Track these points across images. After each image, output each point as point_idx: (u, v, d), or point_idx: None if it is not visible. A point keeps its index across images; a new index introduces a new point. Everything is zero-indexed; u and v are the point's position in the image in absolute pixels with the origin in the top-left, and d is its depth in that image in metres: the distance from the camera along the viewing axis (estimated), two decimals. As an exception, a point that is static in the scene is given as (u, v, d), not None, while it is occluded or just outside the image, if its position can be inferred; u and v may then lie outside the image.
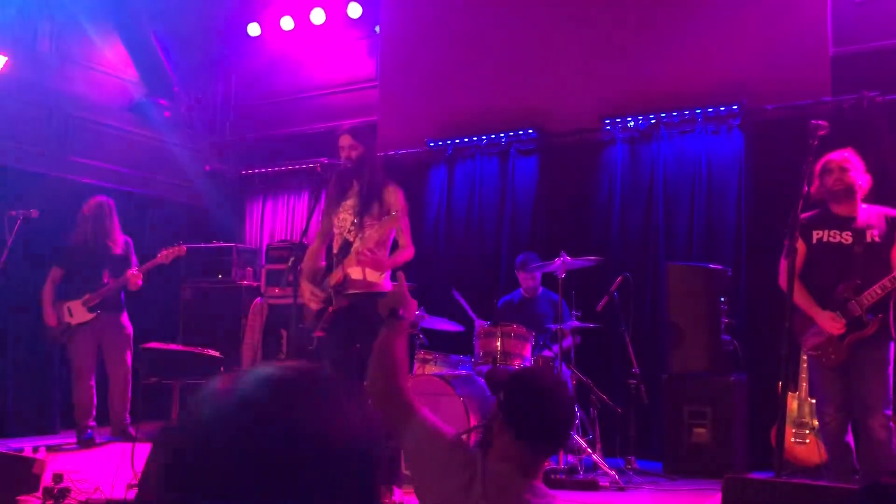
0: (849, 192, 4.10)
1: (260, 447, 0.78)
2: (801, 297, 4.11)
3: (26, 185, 6.86)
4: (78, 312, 6.02)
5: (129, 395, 6.18)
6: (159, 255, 6.05)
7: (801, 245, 3.95)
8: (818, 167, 4.08)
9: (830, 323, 4.02)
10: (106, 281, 6.05)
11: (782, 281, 3.79)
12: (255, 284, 7.49)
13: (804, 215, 3.94)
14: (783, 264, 3.55)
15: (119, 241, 6.15)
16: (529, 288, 6.11)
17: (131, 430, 6.04)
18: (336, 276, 4.34)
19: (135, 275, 6.05)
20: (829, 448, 4.17)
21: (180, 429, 0.82)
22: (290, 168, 8.38)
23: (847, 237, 4.09)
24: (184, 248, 6.06)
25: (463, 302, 5.86)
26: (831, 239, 4.11)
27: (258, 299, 7.22)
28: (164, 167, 8.32)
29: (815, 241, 4.14)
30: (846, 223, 4.12)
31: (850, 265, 4.03)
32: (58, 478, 3.98)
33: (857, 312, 3.97)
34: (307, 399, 0.83)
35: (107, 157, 7.73)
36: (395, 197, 4.45)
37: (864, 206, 4.17)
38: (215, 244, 7.71)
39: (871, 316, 3.98)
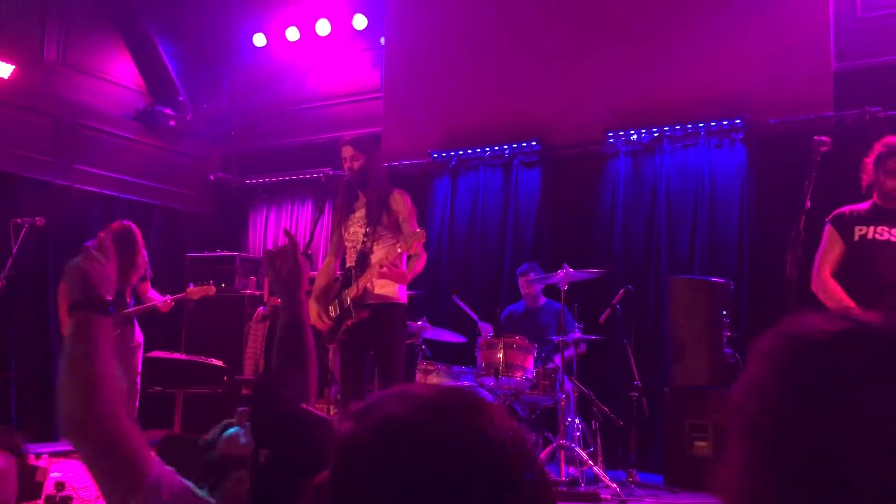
0: None
1: (426, 468, 0.83)
2: (835, 301, 3.51)
3: (31, 192, 6.89)
4: None
5: (137, 404, 6.20)
6: (188, 290, 6.06)
7: (838, 243, 3.59)
8: (876, 153, 3.56)
9: None
10: (130, 300, 6.10)
11: (790, 271, 3.40)
12: (257, 293, 7.50)
13: (844, 209, 3.62)
14: (788, 262, 3.24)
15: (140, 265, 6.18)
16: (528, 296, 6.10)
17: None
18: (356, 290, 4.38)
19: (167, 303, 6.08)
20: None
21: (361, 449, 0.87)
22: (293, 178, 8.41)
23: None
24: (213, 288, 6.05)
25: (463, 305, 5.86)
26: (878, 236, 3.56)
27: (261, 308, 7.24)
28: (169, 176, 8.35)
29: (857, 237, 3.59)
30: None
31: None
32: (60, 486, 3.99)
33: None
34: (469, 420, 0.87)
35: (112, 166, 7.76)
36: (401, 203, 4.49)
37: None
38: (218, 253, 7.73)
39: None
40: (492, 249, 7.12)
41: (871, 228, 3.55)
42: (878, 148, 3.56)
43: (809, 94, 5.90)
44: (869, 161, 3.58)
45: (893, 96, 5.65)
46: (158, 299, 6.15)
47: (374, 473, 0.84)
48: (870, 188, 3.61)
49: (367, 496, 0.84)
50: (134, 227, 6.19)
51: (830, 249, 3.61)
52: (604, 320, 5.47)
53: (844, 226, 3.59)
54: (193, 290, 6.04)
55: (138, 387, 6.16)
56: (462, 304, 5.88)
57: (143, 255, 6.20)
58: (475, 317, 5.82)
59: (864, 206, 3.63)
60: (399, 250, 4.24)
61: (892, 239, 3.50)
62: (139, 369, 6.17)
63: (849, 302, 3.44)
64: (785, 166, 5.63)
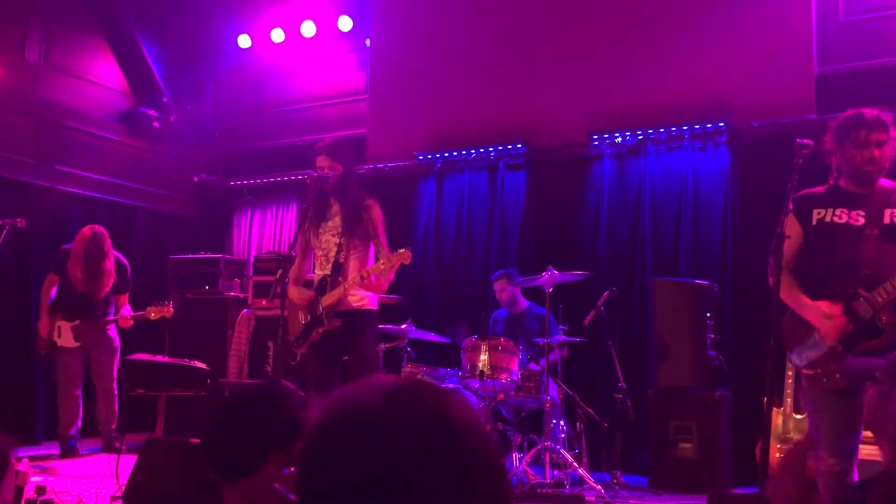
0: (880, 174, 3.22)
1: (381, 446, 0.88)
2: (789, 294, 3.23)
3: (13, 194, 6.83)
4: (66, 336, 6.02)
5: (116, 406, 6.16)
6: (147, 310, 6.00)
7: (796, 228, 3.27)
8: (842, 122, 3.24)
9: (824, 316, 3.08)
10: (99, 313, 6.04)
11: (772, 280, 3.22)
12: (242, 296, 7.46)
13: (803, 192, 3.30)
14: (771, 265, 3.08)
15: (111, 272, 6.09)
16: (503, 301, 6.12)
17: (116, 443, 5.98)
18: (332, 298, 4.38)
19: (125, 318, 6.07)
20: None
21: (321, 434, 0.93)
22: (278, 180, 8.38)
23: (858, 217, 3.20)
24: (171, 309, 6.01)
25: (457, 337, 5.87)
26: (837, 219, 3.22)
27: (245, 311, 7.20)
28: (153, 178, 8.30)
29: (815, 221, 3.26)
30: (858, 200, 3.22)
31: (859, 253, 3.13)
32: (40, 490, 3.95)
33: (866, 315, 3.04)
34: (416, 402, 0.93)
35: (95, 167, 7.70)
36: (374, 212, 4.51)
37: (882, 180, 3.28)
38: (202, 255, 7.69)
39: (888, 320, 3.02)
40: (477, 251, 7.12)
41: (830, 211, 3.24)
42: (838, 122, 3.25)
43: (792, 97, 5.95)
44: (830, 138, 3.24)
45: (875, 99, 5.66)
46: (128, 314, 6.10)
47: (338, 456, 0.89)
48: (837, 169, 3.30)
49: (331, 479, 0.89)
50: (103, 231, 6.11)
51: (788, 237, 3.24)
52: (588, 322, 5.48)
53: (802, 210, 3.27)
54: (151, 310, 6.01)
55: (115, 391, 6.09)
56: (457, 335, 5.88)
57: (111, 262, 6.11)
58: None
59: (821, 188, 3.34)
60: (382, 268, 4.24)
61: (852, 222, 3.19)
62: (115, 374, 6.10)
63: (802, 296, 3.19)
64: (768, 169, 5.67)
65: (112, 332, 6.21)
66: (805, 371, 3.22)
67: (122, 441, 5.32)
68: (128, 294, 6.24)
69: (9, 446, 1.82)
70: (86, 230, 6.08)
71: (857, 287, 3.06)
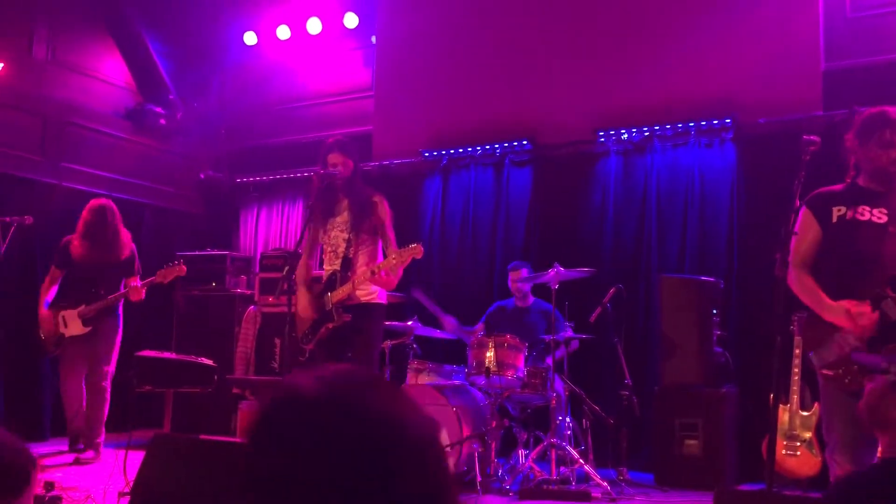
0: None
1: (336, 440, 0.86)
2: (809, 295, 3.19)
3: (20, 191, 6.86)
4: (73, 324, 5.80)
5: (106, 408, 5.87)
6: (158, 274, 5.79)
7: (814, 226, 3.24)
8: (866, 121, 3.22)
9: (851, 316, 2.98)
10: (103, 292, 5.81)
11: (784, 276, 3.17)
12: (248, 293, 7.48)
13: (820, 190, 3.28)
14: (778, 261, 3.04)
15: (123, 248, 5.90)
16: (517, 291, 6.07)
17: (88, 454, 5.73)
18: (342, 294, 4.40)
19: (137, 288, 5.79)
20: None
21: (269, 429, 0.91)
22: (284, 177, 8.39)
23: (880, 215, 3.15)
24: (183, 267, 5.81)
25: (425, 300, 5.88)
26: (859, 216, 3.16)
27: (252, 307, 7.22)
28: (159, 175, 8.32)
29: (835, 218, 3.20)
30: (879, 198, 3.18)
31: (883, 250, 3.09)
32: (49, 486, 3.97)
33: (894, 315, 2.96)
34: (374, 396, 0.92)
35: (101, 165, 7.73)
36: (381, 208, 4.56)
37: None
38: (209, 252, 7.70)
39: None
40: (483, 248, 7.12)
41: (851, 208, 3.18)
42: (862, 120, 3.23)
43: (799, 93, 5.93)
44: (851, 136, 3.23)
45: (882, 96, 5.66)
46: (138, 284, 5.89)
47: (274, 442, 0.88)
48: (855, 167, 3.26)
49: (266, 464, 0.87)
50: (111, 204, 5.96)
51: (805, 235, 3.24)
52: (594, 319, 5.49)
53: (820, 207, 3.23)
54: (163, 272, 5.76)
55: (107, 389, 5.91)
56: (424, 300, 5.89)
57: (125, 234, 5.97)
58: (438, 311, 5.85)
59: (839, 186, 3.30)
60: (393, 262, 4.26)
61: (874, 219, 3.14)
62: (111, 369, 5.94)
63: (823, 296, 3.13)
64: (774, 166, 5.66)
65: (118, 315, 5.98)
66: (824, 372, 3.12)
67: (131, 437, 5.31)
68: (137, 277, 6.08)
69: (31, 463, 1.73)
70: (94, 201, 5.91)
71: (884, 287, 2.99)
